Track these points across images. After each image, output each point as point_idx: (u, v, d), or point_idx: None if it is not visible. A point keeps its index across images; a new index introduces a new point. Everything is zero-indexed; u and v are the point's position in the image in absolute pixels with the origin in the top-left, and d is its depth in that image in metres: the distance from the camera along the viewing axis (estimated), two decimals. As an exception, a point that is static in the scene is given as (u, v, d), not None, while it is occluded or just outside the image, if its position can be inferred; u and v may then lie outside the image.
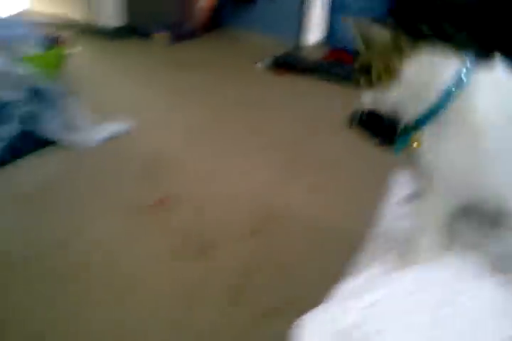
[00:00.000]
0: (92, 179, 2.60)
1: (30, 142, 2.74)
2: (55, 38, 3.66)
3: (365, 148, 2.94)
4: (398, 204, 1.24)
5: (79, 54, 4.15)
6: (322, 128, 3.31)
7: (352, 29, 0.91)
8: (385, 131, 1.90)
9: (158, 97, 3.73)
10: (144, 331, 1.68)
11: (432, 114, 0.86)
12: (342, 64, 4.16)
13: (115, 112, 3.32)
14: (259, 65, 4.43)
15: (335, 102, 3.47)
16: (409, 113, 0.90)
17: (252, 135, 3.17)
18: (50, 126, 2.78)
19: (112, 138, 2.99)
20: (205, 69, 4.36)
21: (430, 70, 0.86)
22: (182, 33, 5.08)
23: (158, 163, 2.79)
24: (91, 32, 4.83)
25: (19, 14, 3.87)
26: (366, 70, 0.91)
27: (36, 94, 2.73)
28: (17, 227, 2.20)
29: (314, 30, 5.28)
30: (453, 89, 0.83)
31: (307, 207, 2.42)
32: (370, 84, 0.92)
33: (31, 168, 2.64)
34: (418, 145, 0.89)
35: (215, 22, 5.54)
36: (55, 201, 2.41)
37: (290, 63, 4.36)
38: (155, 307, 1.78)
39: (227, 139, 3.12)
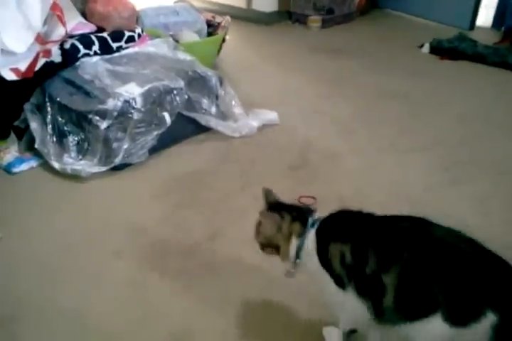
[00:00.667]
0: (247, 168, 2.56)
1: (189, 128, 2.79)
2: (215, 23, 3.70)
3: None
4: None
5: (233, 39, 4.17)
6: (495, 128, 2.91)
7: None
8: None
9: (308, 85, 3.59)
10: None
11: None
12: (519, 49, 3.66)
13: (265, 100, 3.27)
14: (423, 49, 4.06)
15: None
16: None
17: (411, 133, 2.89)
18: (207, 113, 2.79)
19: (264, 127, 2.93)
20: (361, 55, 4.12)
21: None
22: (337, 17, 4.88)
23: (311, 155, 2.67)
24: (245, 17, 4.84)
25: (179, 1, 3.97)
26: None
27: (196, 82, 2.75)
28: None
29: (484, 11, 4.74)
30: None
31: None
32: None
33: (189, 153, 2.69)
34: None
35: (371, 4, 5.24)
36: (205, 186, 2.42)
37: (456, 48, 3.93)
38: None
39: (380, 134, 2.88)
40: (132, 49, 2.91)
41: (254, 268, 1.88)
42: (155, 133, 2.53)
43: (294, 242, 1.37)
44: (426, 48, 4.04)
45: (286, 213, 1.40)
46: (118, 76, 2.60)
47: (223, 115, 2.91)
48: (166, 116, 2.57)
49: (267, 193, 1.46)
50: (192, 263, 1.96)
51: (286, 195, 1.52)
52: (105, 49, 2.81)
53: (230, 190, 2.40)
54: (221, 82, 2.88)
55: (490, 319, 1.14)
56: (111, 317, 1.73)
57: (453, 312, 1.16)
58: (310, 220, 1.37)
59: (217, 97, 2.85)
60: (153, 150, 2.60)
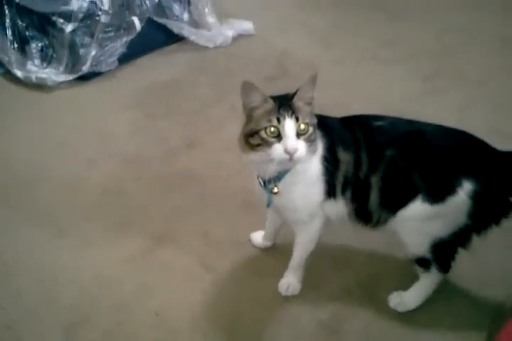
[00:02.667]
0: (223, 79, 2.46)
1: (161, 37, 2.63)
2: None
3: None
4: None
5: None
6: (476, 40, 2.83)
7: None
8: None
9: (286, 6, 3.40)
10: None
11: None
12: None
13: (240, 10, 3.09)
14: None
15: None
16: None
17: (391, 44, 2.79)
18: (179, 20, 2.63)
19: (240, 37, 2.79)
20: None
21: None
22: None
23: (290, 65, 2.58)
24: None
25: None
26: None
27: (166, -15, 2.55)
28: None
29: None
30: None
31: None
32: None
33: (162, 63, 2.56)
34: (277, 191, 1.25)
35: None
36: (180, 97, 2.33)
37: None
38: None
39: (360, 46, 2.78)
40: None
41: (234, 174, 1.86)
42: (124, 39, 2.38)
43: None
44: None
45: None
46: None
47: (196, 23, 2.74)
48: (136, 20, 2.41)
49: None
50: (169, 170, 1.92)
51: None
52: None
53: (207, 100, 2.32)
54: (193, -14, 2.69)
55: (466, 188, 1.19)
56: (89, 223, 1.70)
57: (431, 191, 1.21)
58: None
59: (189, 3, 2.67)
60: (124, 59, 2.45)
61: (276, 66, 2.57)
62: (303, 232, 1.38)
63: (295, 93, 1.20)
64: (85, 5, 2.20)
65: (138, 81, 2.41)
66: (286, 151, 1.13)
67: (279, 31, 2.90)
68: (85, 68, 2.28)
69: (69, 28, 2.20)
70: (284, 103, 1.18)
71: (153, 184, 1.85)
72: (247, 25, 2.86)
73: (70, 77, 2.28)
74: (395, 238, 1.32)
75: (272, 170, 1.20)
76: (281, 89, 1.21)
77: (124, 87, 2.37)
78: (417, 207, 1.23)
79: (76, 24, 2.20)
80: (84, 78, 2.34)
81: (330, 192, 1.28)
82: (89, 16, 2.23)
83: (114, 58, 2.37)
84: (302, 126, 1.15)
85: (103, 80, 2.38)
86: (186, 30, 2.65)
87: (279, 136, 1.15)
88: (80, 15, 2.20)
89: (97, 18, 2.24)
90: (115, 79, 2.41)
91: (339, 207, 1.31)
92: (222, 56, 2.65)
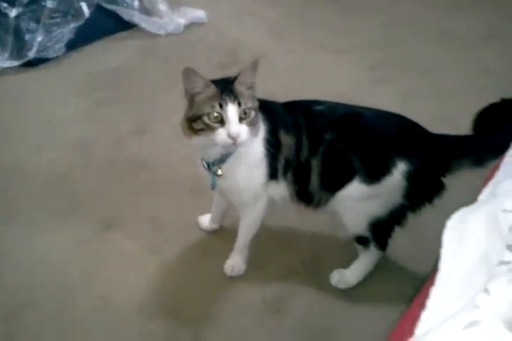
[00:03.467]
0: (174, 66, 2.46)
1: (111, 24, 2.61)
2: None
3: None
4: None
5: None
6: (421, 32, 2.93)
7: None
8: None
9: None
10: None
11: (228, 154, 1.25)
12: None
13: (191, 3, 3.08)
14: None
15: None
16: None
17: (340, 35, 2.86)
18: (130, 7, 2.60)
19: (192, 25, 2.80)
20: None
21: None
22: None
23: (241, 54, 2.60)
24: None
25: None
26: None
27: (116, -30, 2.53)
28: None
29: None
30: None
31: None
32: None
33: (112, 50, 2.54)
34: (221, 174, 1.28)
35: None
36: (129, 84, 2.32)
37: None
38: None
39: (311, 36, 2.83)
40: None
41: (183, 160, 1.87)
42: (72, 25, 2.35)
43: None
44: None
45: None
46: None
47: (147, 11, 2.73)
48: (84, 6, 2.38)
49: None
50: (119, 156, 1.91)
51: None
52: None
53: (157, 87, 2.31)
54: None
55: (401, 169, 1.25)
56: (36, 209, 1.68)
57: (368, 172, 1.26)
58: None
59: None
60: (72, 46, 2.43)
61: (228, 54, 2.59)
62: (247, 214, 1.41)
63: (236, 77, 1.21)
64: (29, -12, 2.15)
65: (86, 67, 2.38)
66: (230, 136, 1.15)
67: (231, 20, 2.93)
68: (31, 54, 2.25)
69: (13, 12, 2.15)
70: (226, 88, 1.19)
71: (101, 170, 1.85)
72: (199, 14, 2.87)
73: (16, 63, 2.24)
74: (336, 218, 1.37)
75: (215, 153, 1.23)
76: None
77: (71, 73, 2.34)
78: (355, 188, 1.28)
79: (21, 9, 2.16)
80: (31, 64, 2.29)
81: (272, 174, 1.32)
82: (35, 1, 2.18)
83: (62, 44, 2.34)
84: (244, 111, 1.18)
85: (50, 66, 2.35)
86: (137, 18, 2.64)
87: (221, 121, 1.16)
88: (25, 0, 2.15)
89: (43, 3, 2.20)
90: (63, 65, 2.38)
91: (281, 189, 1.35)
92: (173, 44, 2.65)
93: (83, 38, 2.45)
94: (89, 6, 2.38)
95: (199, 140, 1.21)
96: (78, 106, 2.14)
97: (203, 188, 1.54)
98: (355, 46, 2.73)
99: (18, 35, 2.20)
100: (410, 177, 1.26)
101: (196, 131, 1.20)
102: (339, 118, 1.30)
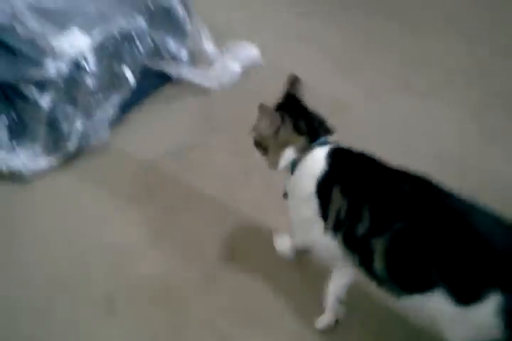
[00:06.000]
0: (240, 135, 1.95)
1: (152, 82, 2.07)
2: None
3: None
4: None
5: None
6: None
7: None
8: None
9: (286, 16, 2.85)
10: None
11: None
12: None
13: (233, 24, 2.52)
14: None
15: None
16: None
17: (417, 65, 2.34)
18: (177, 60, 2.06)
19: (246, 71, 2.26)
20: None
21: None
22: None
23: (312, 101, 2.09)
24: None
25: None
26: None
27: (158, 17, 1.96)
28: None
29: None
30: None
31: None
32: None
33: (157, 118, 1.99)
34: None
35: None
36: (193, 174, 1.82)
37: None
38: None
39: (385, 67, 2.31)
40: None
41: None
42: (115, 99, 1.81)
43: (288, 154, 1.20)
44: None
45: (291, 118, 1.20)
46: (48, 14, 1.74)
47: (193, 57, 2.19)
48: (128, 72, 1.83)
49: (293, 80, 1.25)
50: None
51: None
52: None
53: (231, 179, 1.80)
54: (189, 11, 2.11)
55: (494, 301, 0.95)
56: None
57: (455, 289, 0.98)
58: (322, 139, 1.19)
59: (185, 36, 2.10)
60: (114, 120, 1.89)
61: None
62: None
63: None
64: (64, 67, 1.60)
65: (137, 152, 1.87)
66: None
67: (287, 54, 2.38)
68: (71, 146, 1.72)
69: (45, 99, 1.60)
70: None
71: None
72: (252, 52, 2.34)
73: (52, 161, 1.71)
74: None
75: None
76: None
77: (120, 164, 1.82)
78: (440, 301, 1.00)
79: (54, 93, 1.61)
80: (70, 157, 1.77)
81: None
82: (72, 81, 1.64)
83: (105, 124, 1.81)
84: None
85: (92, 157, 1.82)
86: (186, 71, 2.11)
87: None
88: (60, 82, 1.60)
89: (82, 82, 1.65)
90: (108, 152, 1.85)
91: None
92: (231, 99, 2.12)
93: (126, 107, 1.92)
94: (133, 71, 1.84)
95: None
96: (136, 218, 1.64)
97: None
98: (447, 82, 2.22)
99: (52, 125, 1.67)
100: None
101: None
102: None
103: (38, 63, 1.60)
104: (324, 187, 1.13)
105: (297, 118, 1.20)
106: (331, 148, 1.17)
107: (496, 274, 0.96)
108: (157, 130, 1.97)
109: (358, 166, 1.14)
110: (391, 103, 2.12)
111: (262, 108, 1.19)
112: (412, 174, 1.08)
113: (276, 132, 1.19)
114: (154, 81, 2.07)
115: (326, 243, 1.15)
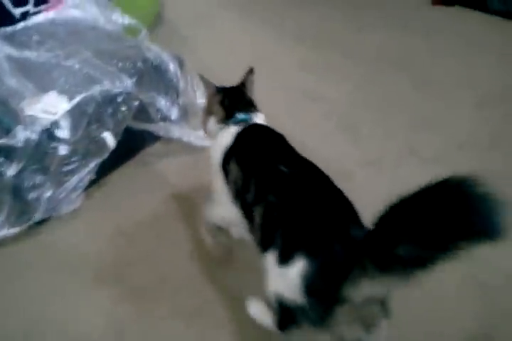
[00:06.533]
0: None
1: (139, 141, 1.96)
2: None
3: None
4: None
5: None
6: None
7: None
8: None
9: (285, 47, 2.75)
10: None
11: None
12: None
13: (232, 74, 2.39)
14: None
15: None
16: None
17: (424, 126, 2.19)
18: (167, 120, 1.94)
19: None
20: (343, 2, 3.22)
21: None
22: None
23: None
24: None
25: None
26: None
27: (148, 76, 1.85)
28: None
29: None
30: None
31: None
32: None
33: (139, 181, 1.88)
34: None
35: None
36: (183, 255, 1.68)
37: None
38: None
39: (395, 130, 2.17)
40: (45, 15, 1.91)
41: None
42: (92, 165, 1.69)
43: (211, 122, 1.40)
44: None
45: (223, 94, 1.41)
46: (28, 72, 1.65)
47: (185, 113, 2.07)
48: (108, 137, 1.71)
49: (249, 71, 1.45)
50: None
51: None
52: (2, 18, 1.80)
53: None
54: (181, 67, 2.00)
55: (300, 263, 1.02)
56: None
57: (281, 250, 1.09)
58: (237, 117, 1.35)
59: (177, 94, 1.98)
60: (89, 184, 1.77)
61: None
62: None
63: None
64: (35, 136, 1.49)
65: (114, 220, 1.74)
66: None
67: (290, 114, 2.25)
68: (38, 215, 1.60)
69: (11, 169, 1.49)
70: None
71: None
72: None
73: (15, 230, 1.59)
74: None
75: None
76: None
77: (90, 233, 1.69)
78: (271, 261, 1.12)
79: (21, 164, 1.49)
80: (38, 223, 1.65)
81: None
82: (42, 150, 1.52)
83: (79, 191, 1.69)
84: None
85: (62, 222, 1.70)
86: (178, 132, 2.00)
87: None
88: (28, 151, 1.49)
89: (53, 151, 1.54)
90: (81, 217, 1.73)
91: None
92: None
93: (105, 170, 1.81)
94: (115, 135, 1.72)
95: None
96: (103, 303, 1.50)
97: None
98: (454, 146, 2.07)
99: (18, 195, 1.55)
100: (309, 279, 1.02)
101: None
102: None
103: (7, 130, 1.48)
104: (226, 160, 1.28)
105: (228, 95, 1.39)
106: (246, 126, 1.31)
107: (307, 239, 1.04)
108: (136, 194, 1.84)
109: (257, 144, 1.27)
110: (397, 170, 1.98)
111: (201, 77, 1.44)
112: (304, 162, 1.22)
113: (210, 101, 1.42)
114: (139, 141, 1.95)
115: (233, 211, 1.27)
